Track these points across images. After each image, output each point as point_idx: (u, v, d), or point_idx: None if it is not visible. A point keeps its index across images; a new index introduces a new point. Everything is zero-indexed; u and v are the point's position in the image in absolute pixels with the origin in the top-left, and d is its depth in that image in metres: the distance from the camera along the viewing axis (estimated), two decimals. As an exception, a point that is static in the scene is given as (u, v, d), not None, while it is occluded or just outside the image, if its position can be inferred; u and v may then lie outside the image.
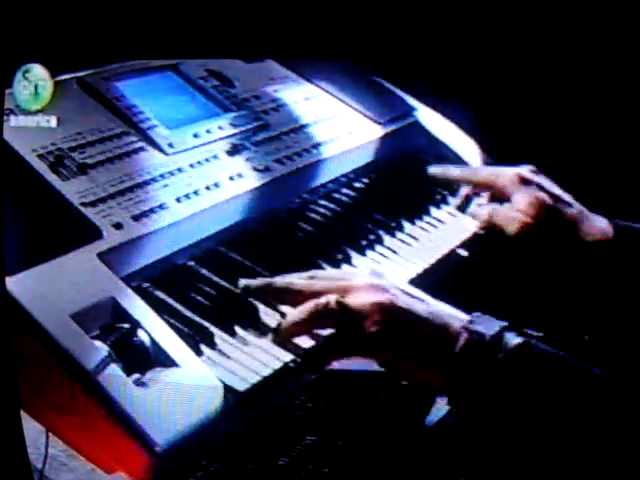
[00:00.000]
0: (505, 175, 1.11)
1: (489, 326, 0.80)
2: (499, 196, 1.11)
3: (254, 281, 0.89)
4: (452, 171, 1.18)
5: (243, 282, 0.89)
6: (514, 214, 1.06)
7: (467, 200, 1.16)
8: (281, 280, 0.87)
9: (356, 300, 0.82)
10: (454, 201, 1.17)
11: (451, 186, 1.18)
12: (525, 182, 1.08)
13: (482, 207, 1.13)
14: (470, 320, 0.81)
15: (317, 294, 0.83)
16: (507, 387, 0.78)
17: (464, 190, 1.16)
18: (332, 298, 0.82)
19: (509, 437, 0.79)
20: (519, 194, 1.07)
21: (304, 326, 0.84)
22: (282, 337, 0.85)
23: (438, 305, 0.84)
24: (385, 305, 0.81)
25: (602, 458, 0.76)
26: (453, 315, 0.82)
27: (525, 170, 1.10)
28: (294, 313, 0.85)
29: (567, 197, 1.07)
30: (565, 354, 0.80)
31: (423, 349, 0.80)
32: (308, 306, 0.83)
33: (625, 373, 0.79)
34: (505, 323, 0.81)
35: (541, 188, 1.07)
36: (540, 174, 1.10)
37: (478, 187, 1.15)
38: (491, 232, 1.09)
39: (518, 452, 0.79)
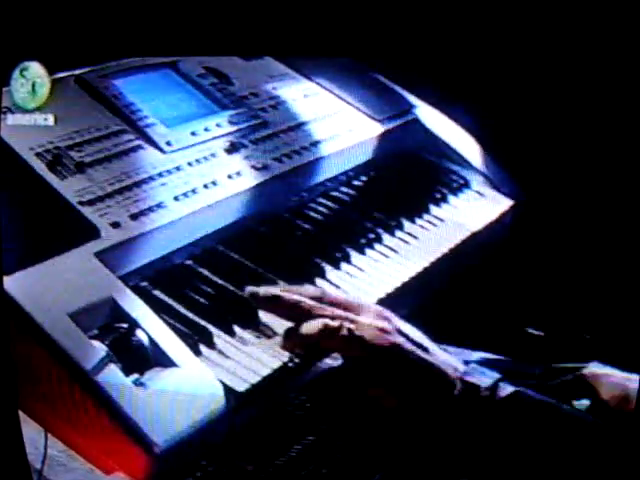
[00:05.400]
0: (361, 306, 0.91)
1: (484, 378, 0.83)
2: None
3: (261, 290, 0.89)
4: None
5: (250, 289, 0.89)
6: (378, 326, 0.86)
7: None
8: (289, 296, 0.88)
9: (362, 338, 0.84)
10: None
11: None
12: (382, 317, 0.89)
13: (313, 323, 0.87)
14: (465, 371, 0.84)
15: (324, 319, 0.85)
16: (499, 434, 0.81)
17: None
18: (345, 325, 0.84)
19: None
20: (369, 314, 0.88)
21: (311, 340, 0.86)
22: (289, 345, 0.87)
23: (437, 352, 0.86)
24: (387, 350, 0.84)
25: None
26: (450, 364, 0.85)
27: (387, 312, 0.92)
28: (306, 325, 0.86)
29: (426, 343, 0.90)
30: (556, 401, 0.82)
31: (418, 395, 0.83)
32: (320, 323, 0.85)
33: (616, 422, 0.82)
34: (499, 375, 0.84)
35: (399, 331, 0.88)
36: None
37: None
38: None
39: None
